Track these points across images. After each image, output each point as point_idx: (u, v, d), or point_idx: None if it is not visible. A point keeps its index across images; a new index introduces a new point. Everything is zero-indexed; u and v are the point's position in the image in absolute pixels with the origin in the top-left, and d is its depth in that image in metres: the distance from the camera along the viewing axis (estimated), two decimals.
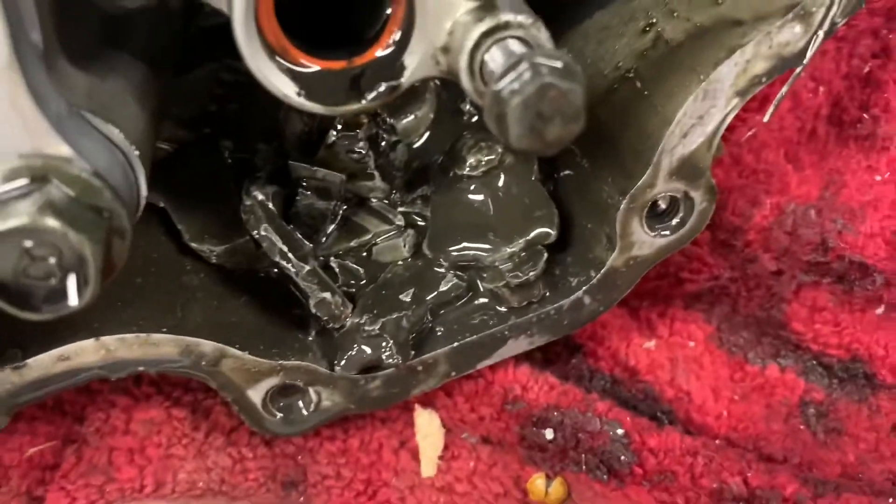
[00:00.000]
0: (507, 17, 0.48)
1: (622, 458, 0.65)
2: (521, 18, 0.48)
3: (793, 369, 0.73)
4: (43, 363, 0.57)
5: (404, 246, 0.66)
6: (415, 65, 0.52)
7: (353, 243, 0.67)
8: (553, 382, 0.68)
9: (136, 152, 0.50)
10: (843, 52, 0.74)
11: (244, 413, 0.63)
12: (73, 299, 0.43)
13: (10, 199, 0.42)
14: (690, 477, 0.63)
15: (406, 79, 0.52)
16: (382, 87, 0.52)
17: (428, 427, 0.70)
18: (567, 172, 0.67)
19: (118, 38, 0.56)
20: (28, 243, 0.43)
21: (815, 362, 0.73)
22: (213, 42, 0.71)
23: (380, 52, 0.52)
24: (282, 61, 0.51)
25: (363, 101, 0.52)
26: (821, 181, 0.73)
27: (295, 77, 0.51)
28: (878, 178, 0.69)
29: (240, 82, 0.74)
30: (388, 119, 0.68)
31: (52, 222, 0.42)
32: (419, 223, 0.68)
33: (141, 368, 0.59)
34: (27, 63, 0.43)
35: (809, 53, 0.57)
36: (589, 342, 0.73)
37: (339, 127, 0.65)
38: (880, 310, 0.72)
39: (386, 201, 0.69)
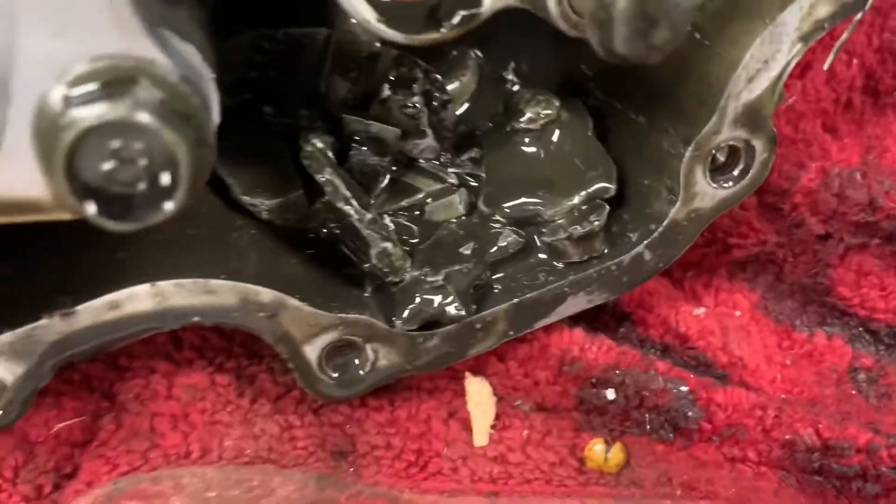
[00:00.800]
0: None
1: (689, 413, 0.63)
2: None
3: (840, 336, 0.73)
4: (93, 310, 0.54)
5: (459, 203, 0.65)
6: None
7: (404, 202, 0.65)
8: (609, 344, 0.66)
9: (212, 75, 0.49)
10: (875, 26, 0.76)
11: (298, 372, 0.60)
12: (170, 205, 0.41)
13: (99, 97, 0.40)
14: (762, 429, 0.62)
15: (485, 7, 0.52)
16: (460, 17, 0.51)
17: (479, 395, 0.68)
18: (620, 131, 0.67)
19: None
20: (116, 143, 0.40)
21: (861, 329, 0.73)
22: (251, 10, 0.70)
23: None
24: None
25: (442, 31, 0.52)
26: (861, 148, 0.73)
27: (375, 4, 0.50)
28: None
29: (278, 50, 0.73)
30: (439, 77, 0.67)
31: (146, 118, 0.40)
32: (471, 183, 0.67)
33: (196, 319, 0.56)
34: None
35: (864, 5, 0.58)
36: (638, 310, 0.72)
37: (393, 81, 0.64)
38: None
39: (436, 162, 0.67)
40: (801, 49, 0.58)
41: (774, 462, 0.62)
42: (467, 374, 0.68)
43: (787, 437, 0.61)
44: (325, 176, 0.59)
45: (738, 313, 0.74)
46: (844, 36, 0.59)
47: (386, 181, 0.66)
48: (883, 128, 0.74)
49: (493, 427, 0.68)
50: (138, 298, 0.55)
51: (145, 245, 0.58)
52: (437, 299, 0.60)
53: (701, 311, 0.72)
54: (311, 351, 0.60)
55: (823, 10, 0.57)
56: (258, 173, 0.63)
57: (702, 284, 0.75)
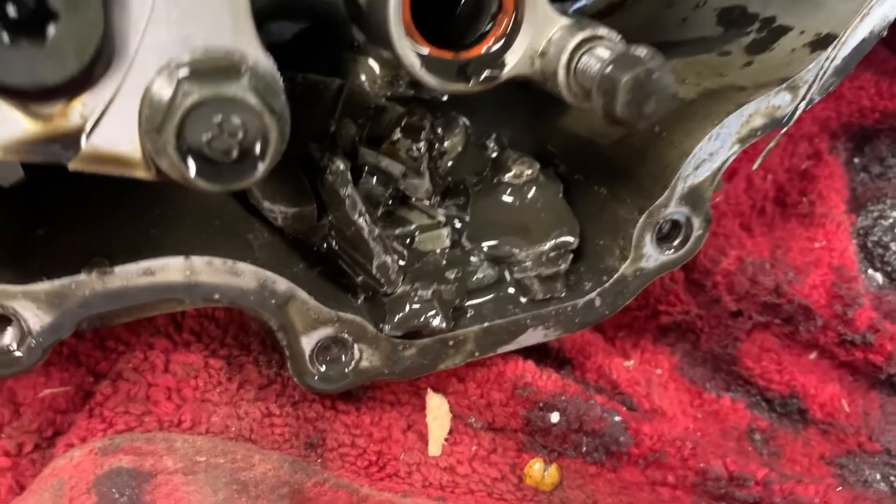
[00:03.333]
0: (601, 31, 0.62)
1: (621, 439, 0.73)
2: (609, 33, 0.62)
3: (742, 401, 0.85)
4: (128, 273, 0.60)
5: (447, 237, 0.75)
6: (514, 63, 0.63)
7: (397, 231, 0.75)
8: (556, 376, 0.76)
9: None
10: (787, 151, 0.93)
11: (291, 361, 0.67)
12: (260, 169, 0.50)
13: (213, 79, 0.49)
14: (681, 458, 0.72)
15: (505, 73, 0.64)
16: (484, 76, 0.63)
17: (438, 410, 0.76)
18: (582, 198, 0.80)
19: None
20: (218, 118, 0.49)
21: (759, 396, 0.86)
22: (274, 54, 0.80)
23: (484, 50, 0.63)
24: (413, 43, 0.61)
25: (469, 84, 0.63)
26: (770, 245, 0.88)
27: (421, 56, 0.62)
28: (817, 244, 0.86)
29: (296, 91, 0.83)
30: (440, 132, 0.79)
31: (253, 99, 0.49)
32: (455, 223, 0.77)
33: (216, 296, 0.63)
34: None
35: (795, 117, 0.73)
36: (578, 356, 0.83)
37: (404, 127, 0.75)
38: (813, 355, 0.86)
39: (426, 202, 0.78)
40: (738, 149, 0.73)
41: (689, 487, 0.72)
42: (429, 390, 0.77)
43: (701, 465, 0.72)
44: (348, 191, 0.68)
45: (658, 371, 0.85)
46: (772, 144, 0.74)
47: (381, 211, 0.76)
48: (788, 232, 0.89)
49: (446, 440, 0.76)
50: (171, 269, 0.61)
51: (178, 226, 0.65)
52: (425, 311, 0.69)
53: (630, 363, 0.84)
54: (307, 343, 0.67)
55: (758, 121, 0.72)
56: (280, 186, 0.72)
57: (630, 343, 0.87)
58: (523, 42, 0.63)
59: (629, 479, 0.73)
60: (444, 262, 0.74)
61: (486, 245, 0.75)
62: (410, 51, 0.61)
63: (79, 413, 0.67)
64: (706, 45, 0.81)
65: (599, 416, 0.74)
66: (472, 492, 0.73)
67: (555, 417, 0.74)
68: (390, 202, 0.77)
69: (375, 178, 0.74)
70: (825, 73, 0.72)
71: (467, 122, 0.85)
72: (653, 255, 0.75)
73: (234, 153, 0.50)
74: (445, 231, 0.75)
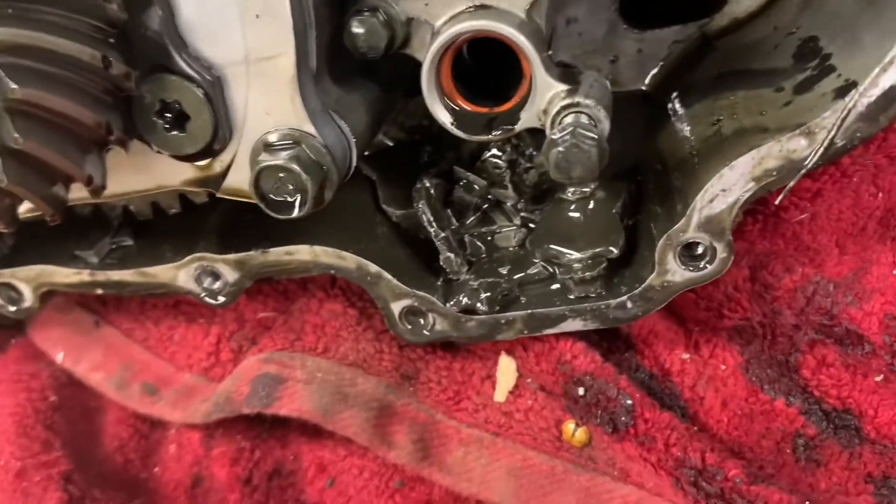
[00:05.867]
0: (579, 99, 0.77)
1: (623, 419, 0.89)
2: (587, 101, 0.77)
3: (797, 407, 0.92)
4: (277, 252, 0.95)
5: (513, 238, 0.96)
6: (525, 118, 0.81)
7: (483, 229, 0.98)
8: (597, 359, 0.93)
9: (354, 140, 0.85)
10: None
11: (387, 318, 0.96)
12: (296, 212, 0.79)
13: (280, 148, 0.79)
14: (665, 443, 0.86)
15: (518, 126, 0.82)
16: (502, 129, 0.83)
17: (507, 367, 0.99)
18: (643, 213, 0.93)
19: (366, 72, 0.91)
20: (281, 174, 0.79)
21: (816, 406, 0.92)
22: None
23: (507, 107, 0.82)
24: (447, 101, 0.83)
25: (490, 135, 0.83)
26: (854, 266, 0.91)
27: (453, 112, 0.83)
28: (894, 272, 0.87)
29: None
30: (529, 150, 0.98)
31: (294, 166, 0.78)
32: (531, 226, 0.97)
33: (332, 272, 0.95)
34: (303, 80, 0.79)
35: (813, 160, 0.78)
36: (641, 344, 0.97)
37: (493, 150, 0.97)
38: (880, 377, 0.89)
39: (515, 207, 0.99)
40: (755, 187, 0.80)
41: (669, 469, 0.85)
42: (503, 352, 1.00)
43: (678, 453, 0.84)
44: (419, 205, 0.93)
45: (723, 367, 0.96)
46: (791, 184, 0.79)
47: (478, 212, 0.99)
48: (877, 255, 0.90)
49: (510, 392, 0.99)
50: (302, 252, 0.94)
51: (315, 223, 0.97)
52: (474, 297, 0.92)
53: (687, 356, 0.96)
54: (396, 307, 0.95)
55: (771, 163, 0.79)
56: (397, 192, 1.00)
57: (705, 339, 0.98)
58: (532, 103, 0.81)
59: (630, 452, 0.89)
60: (509, 258, 0.95)
61: (541, 247, 0.94)
62: (442, 108, 0.83)
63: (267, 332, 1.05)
64: (770, 79, 0.87)
65: (615, 397, 0.90)
66: (520, 434, 0.95)
67: (581, 391, 0.92)
68: (486, 206, 0.99)
69: (464, 189, 0.97)
70: (845, 120, 0.75)
71: None
72: (678, 271, 0.86)
73: (289, 198, 0.79)
74: (513, 232, 0.96)
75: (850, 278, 0.89)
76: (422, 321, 0.96)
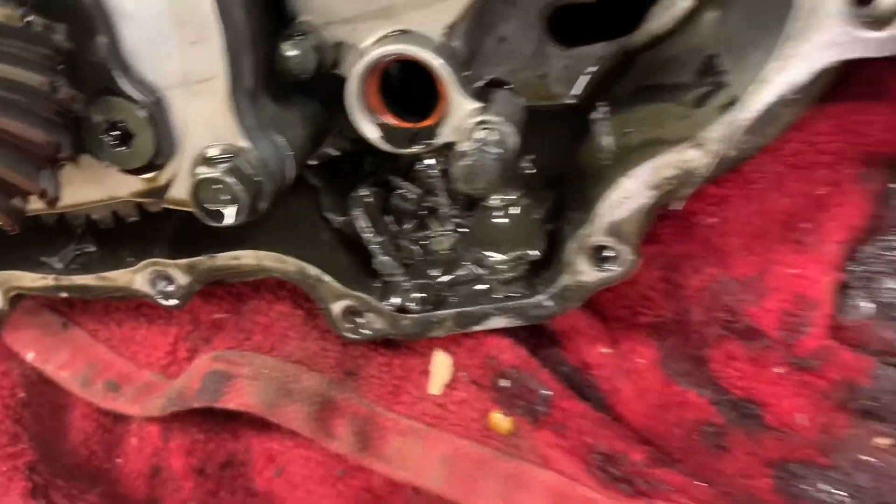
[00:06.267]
0: (489, 116, 0.84)
1: (540, 408, 0.96)
2: (496, 118, 0.84)
3: (707, 398, 0.99)
4: (225, 257, 1.02)
5: (446, 242, 1.03)
6: (443, 133, 0.88)
7: (419, 234, 1.05)
8: (522, 354, 1.00)
9: (292, 153, 0.93)
10: (804, 177, 0.99)
11: (328, 318, 1.03)
12: (231, 220, 0.87)
13: (218, 162, 0.86)
14: (577, 431, 0.93)
15: (436, 141, 0.89)
16: (423, 143, 0.90)
17: (442, 363, 1.06)
18: (564, 219, 1.00)
19: (304, 89, 0.98)
20: (217, 186, 0.86)
21: (724, 397, 0.99)
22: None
23: (429, 123, 0.89)
24: (375, 117, 0.90)
25: (415, 149, 0.90)
26: (758, 266, 0.97)
27: (381, 127, 0.90)
28: (792, 270, 0.93)
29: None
30: None
31: (229, 178, 0.85)
32: (464, 231, 1.05)
33: (276, 275, 1.02)
34: (238, 99, 0.86)
35: (706, 171, 0.85)
36: (565, 340, 1.05)
37: (427, 159, 1.04)
38: (779, 370, 0.95)
39: (448, 213, 1.06)
40: (656, 195, 0.87)
41: (580, 455, 0.93)
42: (438, 349, 1.07)
43: (588, 440, 0.92)
44: (354, 213, 1.01)
45: (642, 361, 1.03)
46: (690, 190, 0.86)
47: (415, 218, 1.06)
48: (780, 256, 0.97)
49: (446, 385, 1.06)
50: (247, 257, 1.01)
51: (262, 229, 1.04)
52: (406, 297, 0.99)
53: (607, 350, 1.03)
54: (336, 308, 1.02)
55: (668, 172, 0.86)
56: (338, 200, 1.07)
57: (624, 335, 1.05)
58: (450, 120, 0.88)
59: (548, 439, 0.96)
60: (441, 260, 1.03)
61: (469, 250, 1.01)
62: (370, 123, 0.90)
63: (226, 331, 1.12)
64: (675, 93, 0.93)
65: (535, 389, 0.97)
66: (454, 424, 1.03)
67: (507, 384, 1.00)
68: (422, 212, 1.07)
69: (400, 197, 1.05)
70: (733, 133, 0.83)
71: None
72: (589, 272, 0.93)
73: (224, 208, 0.87)
74: (446, 237, 1.03)
75: (754, 278, 0.96)
76: (360, 320, 1.03)
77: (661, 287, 1.01)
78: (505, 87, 0.98)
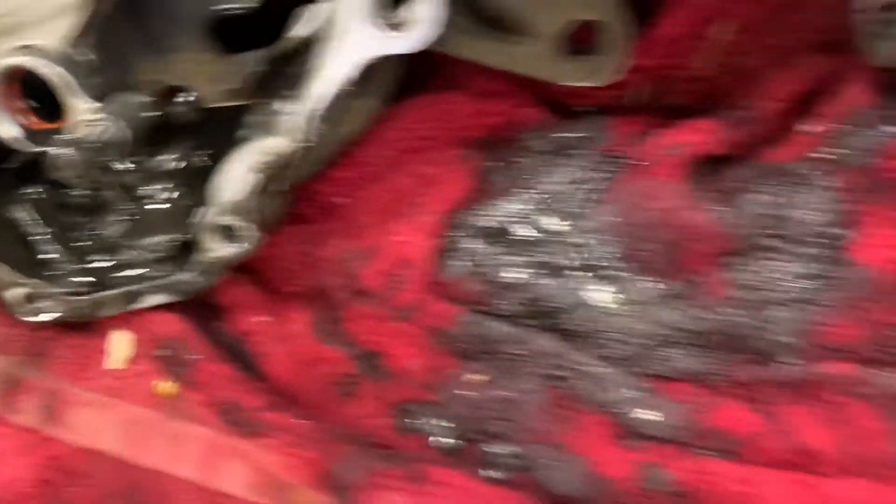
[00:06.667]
0: (98, 116, 0.97)
1: (192, 373, 1.10)
2: (100, 116, 0.97)
3: (344, 353, 1.14)
4: None
5: (116, 231, 1.16)
6: (68, 131, 1.01)
7: (92, 224, 1.17)
8: (184, 327, 1.14)
9: None
10: (420, 159, 1.15)
11: (7, 304, 1.15)
12: None
13: None
14: (218, 389, 1.07)
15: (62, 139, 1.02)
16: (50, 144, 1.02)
17: (118, 340, 1.18)
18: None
19: None
20: None
21: (358, 351, 1.14)
22: None
23: (62, 124, 1.02)
24: (18, 118, 1.02)
25: (45, 147, 1.03)
26: (377, 240, 1.13)
27: (23, 128, 1.03)
28: (398, 239, 1.10)
29: None
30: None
31: None
32: (132, 218, 1.18)
33: None
34: None
35: (295, 157, 1.00)
36: (226, 312, 1.19)
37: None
38: (394, 323, 1.11)
39: (120, 205, 1.19)
40: (255, 177, 1.02)
41: (217, 413, 1.07)
42: (115, 329, 1.19)
43: (225, 396, 1.06)
44: (17, 214, 1.13)
45: (295, 327, 1.17)
46: (292, 173, 1.02)
47: (90, 212, 1.19)
48: (396, 226, 1.13)
49: (127, 360, 1.18)
50: None
51: None
52: (75, 284, 1.12)
53: (267, 318, 1.18)
54: (11, 294, 1.14)
55: (266, 158, 1.01)
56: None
57: (282, 305, 1.19)
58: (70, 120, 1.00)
59: (197, 399, 1.09)
60: (107, 247, 1.15)
61: (130, 236, 1.14)
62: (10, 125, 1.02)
63: None
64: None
65: (189, 356, 1.11)
66: (130, 395, 1.15)
67: (169, 353, 1.13)
68: (99, 204, 1.19)
69: (72, 193, 1.17)
70: (307, 123, 0.98)
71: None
72: (221, 249, 1.08)
73: None
74: (116, 227, 1.16)
75: (372, 248, 1.12)
76: (36, 305, 1.15)
77: (302, 260, 1.16)
78: (180, 93, 1.12)
